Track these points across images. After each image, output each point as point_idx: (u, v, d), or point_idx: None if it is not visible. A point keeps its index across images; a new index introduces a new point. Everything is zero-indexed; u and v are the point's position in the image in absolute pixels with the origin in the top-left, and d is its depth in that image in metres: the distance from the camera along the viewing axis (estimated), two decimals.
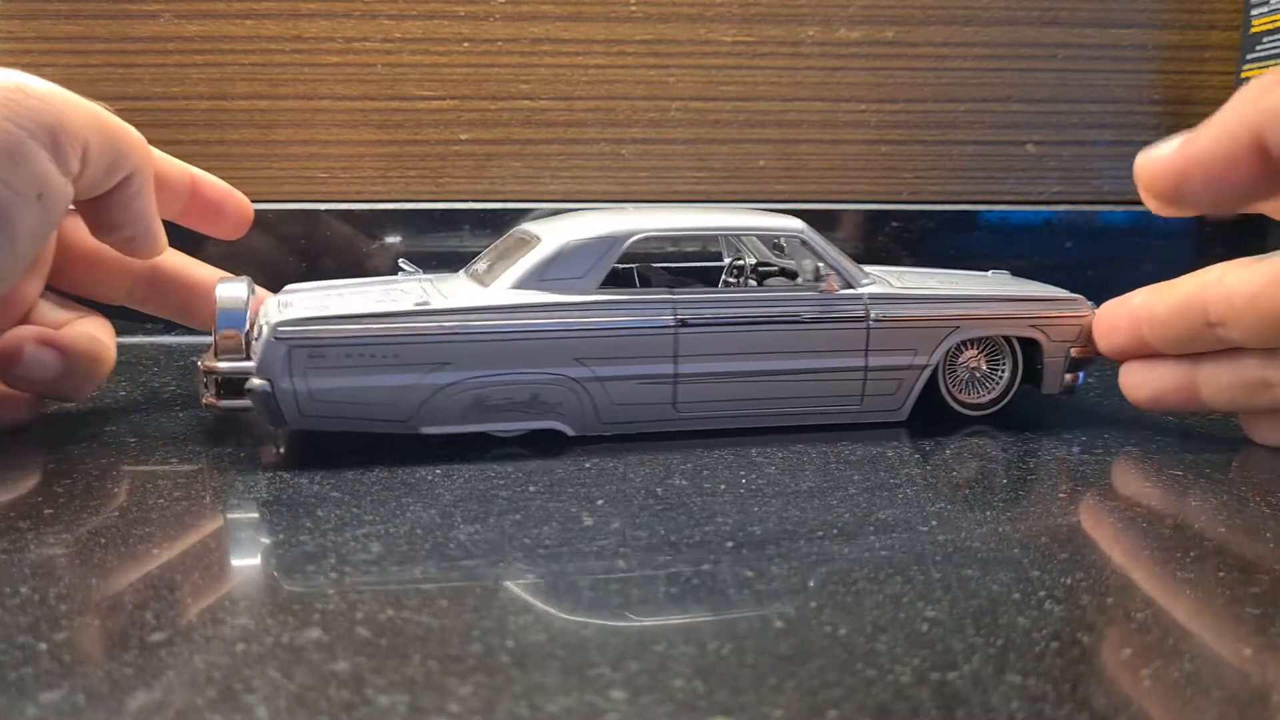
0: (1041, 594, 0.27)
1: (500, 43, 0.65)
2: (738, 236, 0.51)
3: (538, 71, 0.66)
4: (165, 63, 0.63)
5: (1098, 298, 0.46)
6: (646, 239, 0.41)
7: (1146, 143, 0.38)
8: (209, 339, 0.40)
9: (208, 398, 0.39)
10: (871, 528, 0.32)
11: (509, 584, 0.28)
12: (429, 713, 0.21)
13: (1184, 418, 0.45)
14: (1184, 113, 0.70)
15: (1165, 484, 0.37)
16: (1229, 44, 0.69)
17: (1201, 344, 0.40)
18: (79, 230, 0.42)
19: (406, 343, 0.38)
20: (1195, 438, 0.43)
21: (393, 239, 0.66)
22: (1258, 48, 0.66)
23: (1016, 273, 0.51)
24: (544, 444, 0.40)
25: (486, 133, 0.66)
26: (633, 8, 0.65)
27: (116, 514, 0.33)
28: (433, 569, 0.28)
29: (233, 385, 0.38)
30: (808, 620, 0.25)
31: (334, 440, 0.39)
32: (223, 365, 0.38)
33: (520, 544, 0.30)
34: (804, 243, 0.43)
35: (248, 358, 0.38)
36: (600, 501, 0.34)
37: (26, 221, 0.35)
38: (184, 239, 0.46)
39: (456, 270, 0.46)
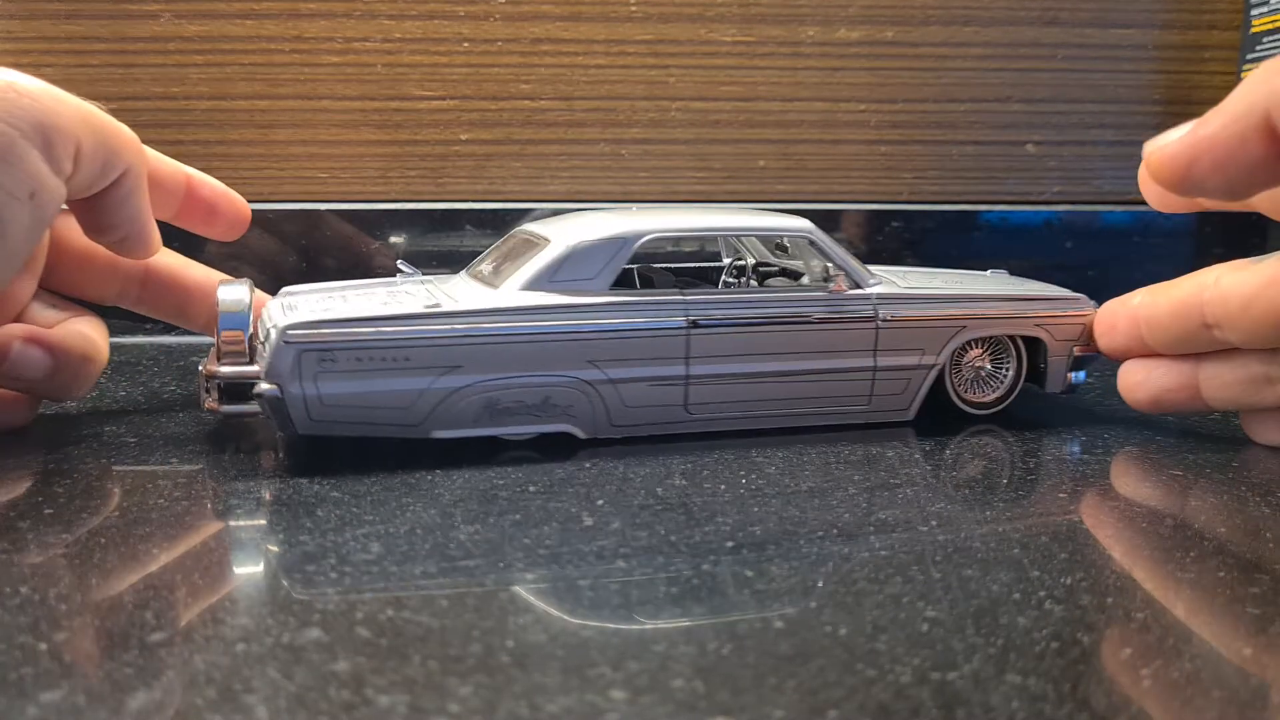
0: (1041, 594, 0.27)
1: (500, 43, 0.65)
2: (737, 237, 0.51)
3: (538, 71, 0.66)
4: (165, 63, 0.63)
5: (1098, 298, 0.46)
6: (655, 239, 0.40)
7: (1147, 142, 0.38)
8: (209, 339, 0.40)
9: (209, 402, 0.38)
10: (871, 528, 0.32)
11: (509, 584, 0.28)
12: (429, 713, 0.21)
13: (1184, 418, 0.45)
14: (1184, 113, 0.69)
15: (1165, 484, 0.37)
16: (1229, 44, 0.69)
17: (1199, 345, 0.40)
18: (71, 230, 0.42)
19: (418, 346, 0.37)
20: (1195, 438, 0.43)
21: (395, 239, 0.66)
22: (1258, 48, 0.66)
23: (1016, 273, 0.51)
24: (544, 444, 0.40)
25: (487, 133, 0.66)
26: (633, 8, 0.65)
27: (116, 514, 0.33)
28: (433, 569, 0.28)
29: (235, 390, 0.38)
30: (808, 620, 0.25)
31: (333, 440, 0.39)
32: (225, 370, 0.38)
33: (520, 544, 0.30)
34: (812, 243, 0.43)
35: (251, 362, 0.38)
36: (600, 501, 0.34)
37: (19, 221, 0.35)
38: (184, 240, 0.46)
39: (455, 271, 0.46)
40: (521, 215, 0.65)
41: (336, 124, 0.65)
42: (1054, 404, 0.48)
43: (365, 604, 0.26)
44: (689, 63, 0.66)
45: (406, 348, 0.37)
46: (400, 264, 0.46)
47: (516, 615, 0.26)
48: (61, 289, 0.44)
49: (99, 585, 0.27)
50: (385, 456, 0.38)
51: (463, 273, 0.45)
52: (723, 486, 0.36)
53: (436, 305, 0.38)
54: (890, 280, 0.44)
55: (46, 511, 0.33)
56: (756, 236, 0.49)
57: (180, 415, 0.45)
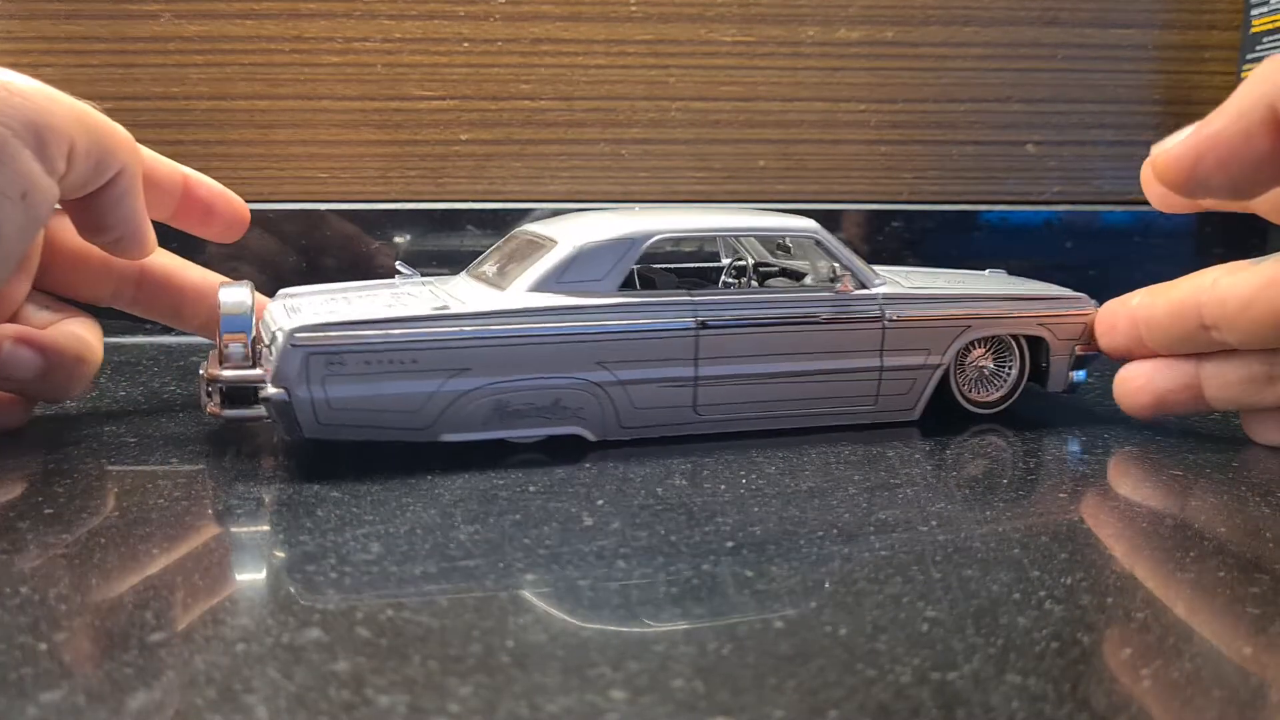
0: (1042, 594, 0.27)
1: (500, 43, 0.65)
2: (737, 237, 0.51)
3: (538, 71, 0.66)
4: (165, 63, 0.63)
5: (1098, 298, 0.46)
6: (662, 240, 0.40)
7: (1147, 142, 0.38)
8: (207, 339, 0.40)
9: (211, 407, 0.38)
10: (872, 528, 0.32)
11: (509, 584, 0.28)
12: (429, 713, 0.21)
13: (1184, 418, 0.45)
14: (1184, 113, 0.70)
15: (1165, 484, 0.37)
16: (1229, 44, 0.69)
17: (1197, 345, 0.40)
18: (65, 230, 0.42)
19: (427, 348, 0.37)
20: (1195, 438, 0.43)
21: (399, 239, 0.66)
22: (1258, 48, 0.66)
23: (1016, 272, 0.52)
24: (545, 444, 0.40)
25: (487, 133, 0.66)
26: (633, 8, 0.65)
27: (116, 514, 0.33)
28: (433, 569, 0.28)
29: (237, 394, 0.37)
30: (808, 620, 0.25)
31: (334, 440, 0.39)
32: (228, 374, 0.37)
33: (520, 544, 0.30)
34: (818, 243, 0.43)
35: (253, 365, 0.38)
36: (600, 501, 0.34)
37: (11, 222, 0.34)
38: (182, 240, 0.46)
39: (455, 272, 0.46)
40: (522, 215, 0.65)
41: (336, 124, 0.65)
42: (1054, 404, 0.48)
43: (365, 604, 0.26)
44: (689, 63, 0.66)
45: (415, 350, 0.37)
46: (399, 265, 0.46)
47: (516, 615, 0.26)
48: (56, 290, 0.43)
49: (99, 585, 0.27)
50: (385, 457, 0.38)
51: (463, 274, 0.45)
52: (723, 486, 0.36)
53: (444, 307, 0.38)
54: (894, 280, 0.44)
55: (46, 511, 0.33)
56: (759, 236, 0.49)
57: (180, 416, 0.45)
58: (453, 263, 0.63)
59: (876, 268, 0.45)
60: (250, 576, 0.29)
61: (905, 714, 0.21)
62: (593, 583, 0.28)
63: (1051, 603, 0.26)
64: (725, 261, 0.52)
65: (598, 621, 0.25)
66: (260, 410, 0.37)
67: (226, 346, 0.38)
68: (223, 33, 0.63)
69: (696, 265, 0.52)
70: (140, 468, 0.38)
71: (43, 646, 0.23)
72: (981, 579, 0.28)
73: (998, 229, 0.70)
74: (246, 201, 0.46)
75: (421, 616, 0.25)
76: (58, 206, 0.38)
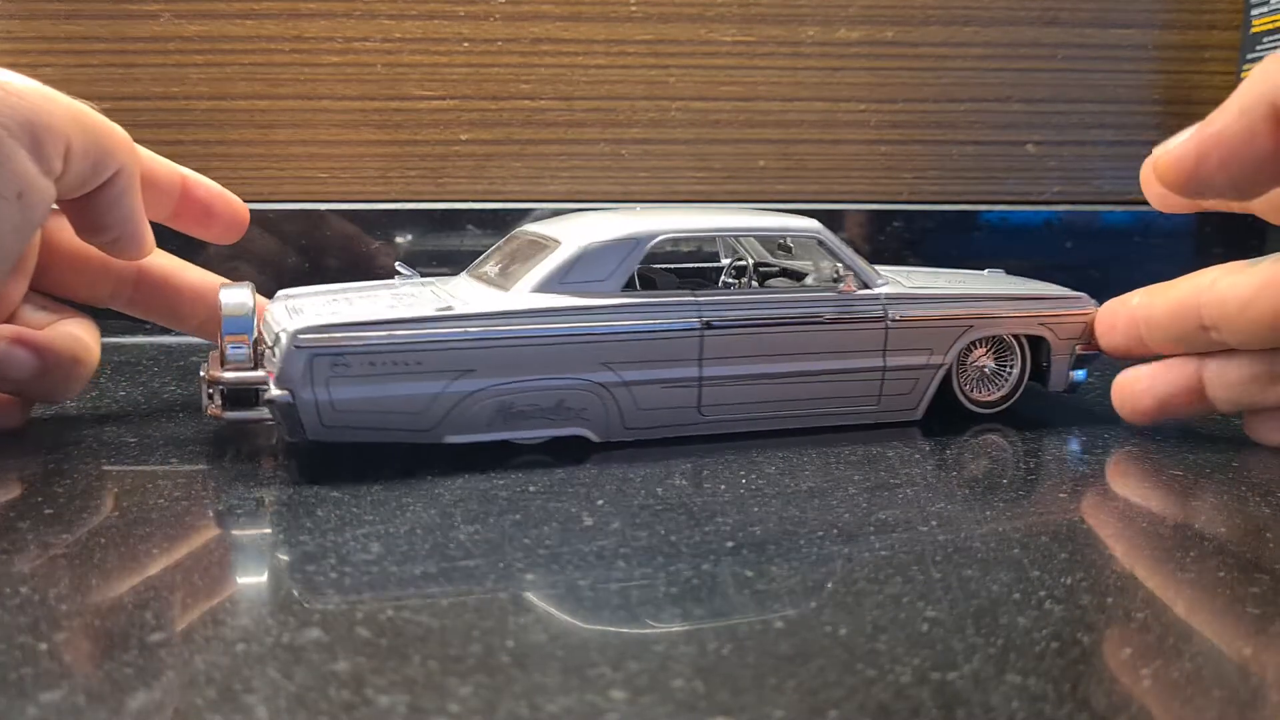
0: (1042, 594, 0.27)
1: (500, 43, 0.65)
2: (737, 237, 0.51)
3: (538, 71, 0.66)
4: (165, 63, 0.63)
5: (1098, 298, 0.46)
6: (666, 240, 0.40)
7: (1147, 142, 0.38)
8: (206, 340, 0.39)
9: (212, 409, 0.38)
10: (872, 528, 0.32)
11: (509, 584, 0.27)
12: (429, 713, 0.21)
13: (1189, 422, 0.45)
14: (1184, 113, 0.70)
15: (1165, 484, 0.37)
16: (1229, 44, 0.69)
17: (1197, 345, 0.40)
18: (62, 231, 0.41)
19: (431, 349, 0.36)
20: (1195, 438, 0.43)
21: (401, 239, 0.66)
22: (1258, 48, 0.66)
23: (1016, 272, 0.52)
24: (548, 445, 0.40)
25: (487, 133, 0.66)
26: (633, 8, 0.65)
27: (116, 514, 0.33)
28: (433, 569, 0.28)
29: (238, 396, 0.37)
30: (808, 620, 0.25)
31: (337, 442, 0.39)
32: (229, 375, 0.37)
33: (520, 544, 0.30)
34: (821, 243, 0.43)
35: (255, 367, 0.38)
36: (600, 501, 0.34)
37: (7, 222, 0.34)
38: (182, 241, 0.46)
39: (455, 272, 0.46)
40: (522, 215, 0.65)
41: (336, 124, 0.65)
42: (1054, 404, 0.48)
43: (365, 604, 0.26)
44: (689, 63, 0.66)
45: (420, 351, 0.36)
46: (399, 266, 0.45)
47: (516, 615, 0.26)
48: (53, 290, 0.43)
49: (99, 585, 0.27)
50: (385, 457, 0.38)
51: (464, 274, 0.45)
52: (723, 486, 0.36)
53: (449, 308, 0.38)
54: (896, 280, 0.44)
55: (46, 511, 0.33)
56: (761, 236, 0.49)
57: (180, 416, 0.45)
58: (453, 263, 0.63)
59: (879, 268, 0.45)
60: (250, 576, 0.29)
61: (905, 714, 0.21)
62: (593, 583, 0.27)
63: (1051, 603, 0.26)
64: (725, 262, 0.52)
65: (598, 621, 0.25)
66: (262, 412, 0.37)
67: (228, 348, 0.37)
68: (223, 33, 0.63)
69: (696, 265, 0.52)
70: (140, 468, 0.38)
71: (43, 646, 0.23)
72: (981, 579, 0.28)
73: (998, 229, 0.70)
74: (246, 201, 0.46)
75: (421, 616, 0.25)
76: (55, 207, 0.38)
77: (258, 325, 0.39)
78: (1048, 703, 0.21)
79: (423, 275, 0.45)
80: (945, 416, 0.45)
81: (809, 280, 0.46)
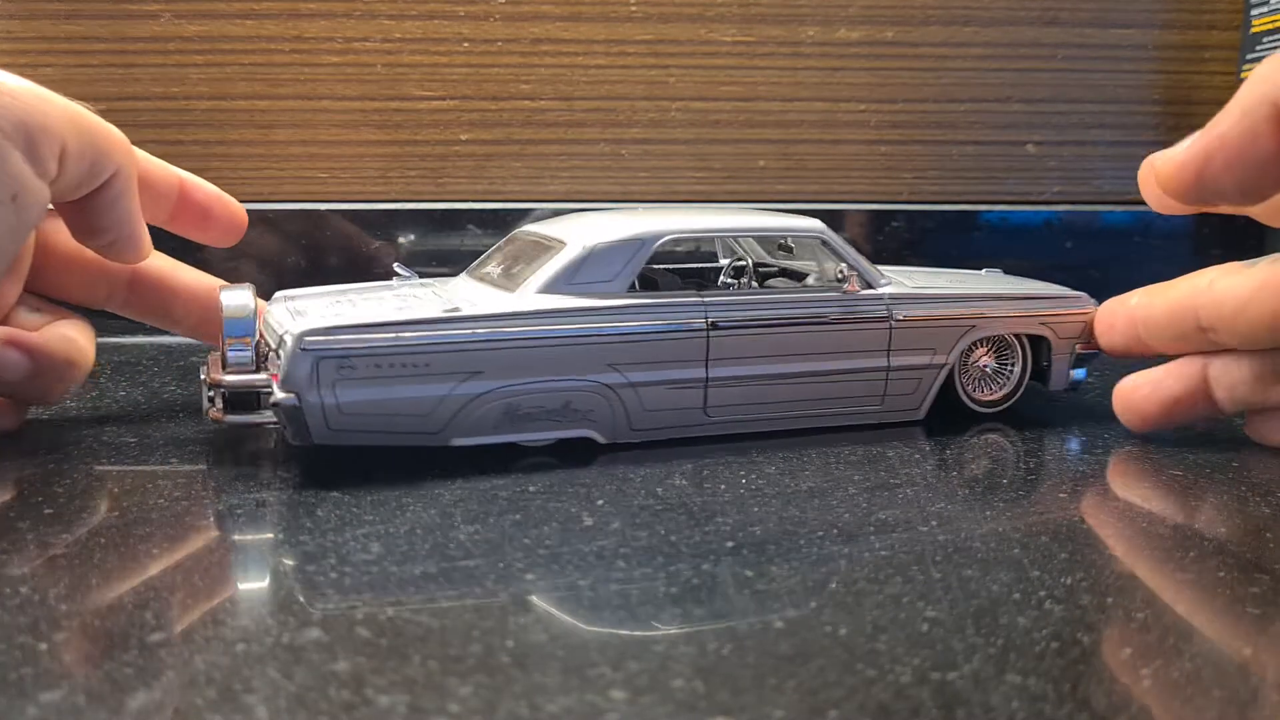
0: (1041, 594, 0.27)
1: (500, 43, 0.65)
2: (735, 237, 0.51)
3: (538, 71, 0.66)
4: (165, 63, 0.63)
5: (1098, 298, 0.46)
6: (670, 240, 0.40)
7: (1147, 142, 0.39)
8: (203, 342, 0.39)
9: (214, 412, 0.37)
10: (872, 528, 0.32)
11: (509, 584, 0.27)
12: (429, 713, 0.21)
13: (1191, 426, 0.45)
14: (1184, 113, 0.70)
15: (1165, 484, 0.37)
16: (1229, 44, 0.69)
17: (1195, 346, 0.40)
18: (57, 232, 0.41)
19: (439, 351, 0.36)
20: (1195, 438, 0.43)
21: (403, 239, 0.66)
22: (1258, 48, 0.66)
23: (1016, 273, 0.52)
24: (552, 447, 0.40)
25: (487, 133, 0.66)
26: (633, 8, 0.65)
27: (116, 514, 0.33)
28: (433, 569, 0.28)
29: (239, 399, 0.37)
30: (808, 620, 0.25)
31: (342, 445, 0.39)
32: (231, 378, 0.37)
33: (520, 544, 0.30)
34: (824, 243, 0.43)
35: (256, 370, 0.37)
36: (600, 501, 0.34)
37: (2, 224, 0.34)
38: (180, 241, 0.46)
39: (454, 272, 0.46)
40: (522, 215, 0.65)
41: (336, 124, 0.65)
42: (1054, 403, 0.48)
43: (365, 604, 0.26)
44: (689, 63, 0.66)
45: (427, 353, 0.36)
46: (396, 267, 0.45)
47: (516, 615, 0.26)
48: (48, 292, 0.43)
49: (99, 585, 0.27)
50: (385, 457, 0.38)
51: (463, 275, 0.44)
52: (723, 486, 0.36)
53: (456, 309, 0.37)
54: (898, 280, 0.44)
55: (46, 511, 0.33)
56: (762, 236, 0.49)
57: (180, 416, 0.45)
58: (453, 262, 0.63)
59: (881, 268, 0.45)
60: (250, 577, 0.29)
61: (905, 714, 0.21)
62: (593, 583, 0.28)
63: (1051, 603, 0.26)
64: (724, 262, 0.52)
65: (598, 621, 0.25)
66: (264, 416, 0.37)
67: (230, 350, 0.37)
68: (223, 33, 0.63)
69: (695, 266, 0.52)
70: (140, 468, 0.38)
71: (43, 646, 0.23)
72: (981, 579, 0.28)
73: (998, 229, 0.70)
74: (246, 202, 0.46)
75: (421, 616, 0.25)
76: (50, 207, 0.38)
77: (258, 327, 0.38)
78: (1048, 703, 0.21)
79: (421, 276, 0.45)
80: (945, 416, 0.45)
81: (810, 280, 0.46)
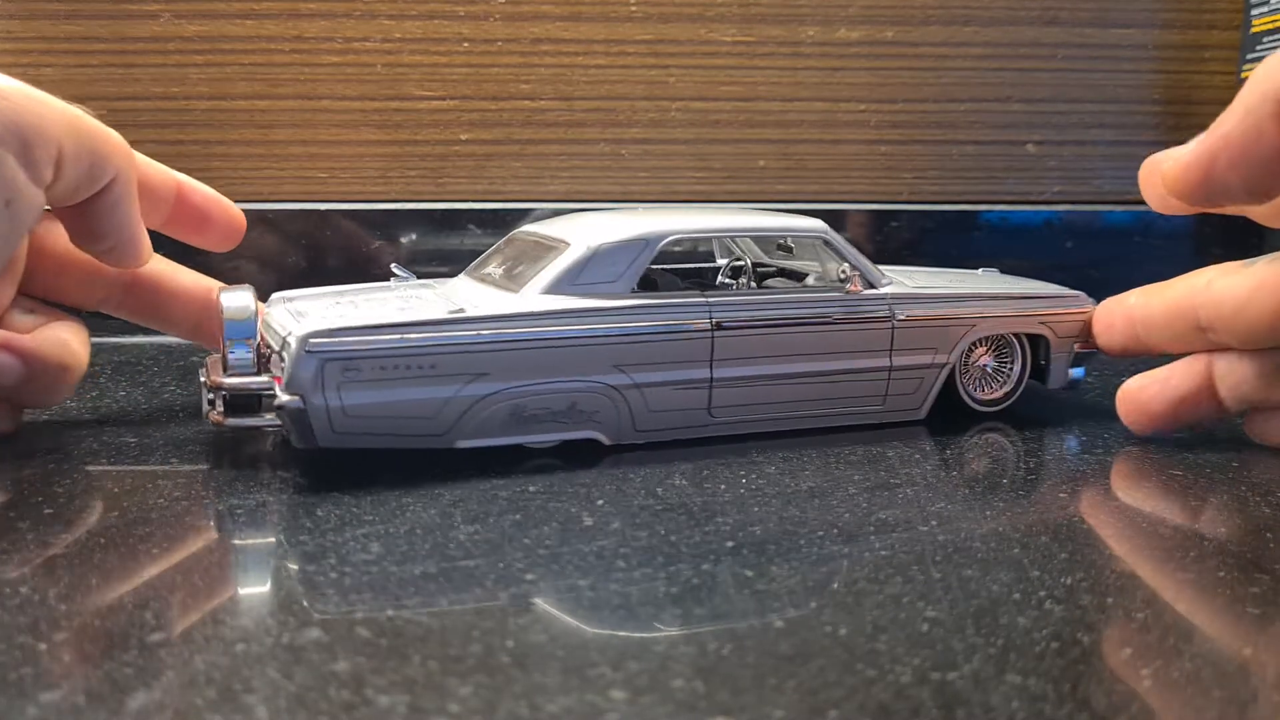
0: (1042, 594, 0.27)
1: (500, 43, 0.65)
2: (732, 237, 0.51)
3: (538, 71, 0.66)
4: (165, 63, 0.63)
5: (1098, 298, 0.46)
6: (676, 240, 0.40)
7: (1147, 142, 0.39)
8: (199, 345, 0.39)
9: (214, 415, 0.37)
10: (872, 528, 0.32)
11: (509, 584, 0.27)
12: (429, 713, 0.21)
13: (1195, 426, 0.44)
14: (1184, 113, 0.70)
15: (1165, 484, 0.37)
16: (1229, 44, 0.69)
17: (1193, 345, 0.40)
18: (52, 234, 0.41)
19: (445, 353, 0.36)
20: (1195, 438, 0.43)
21: (405, 239, 0.66)
22: (1258, 48, 0.66)
23: (1016, 272, 0.52)
24: (557, 448, 0.39)
25: (487, 133, 0.66)
26: (633, 8, 0.65)
27: (116, 514, 0.33)
28: (433, 569, 0.28)
29: (240, 402, 0.37)
30: (808, 620, 0.25)
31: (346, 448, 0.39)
32: (233, 381, 0.36)
33: (520, 544, 0.30)
34: (827, 243, 0.43)
35: (257, 372, 0.37)
36: (600, 501, 0.34)
37: None
38: (177, 242, 0.45)
39: (454, 272, 0.46)
40: (522, 215, 0.65)
41: (336, 124, 0.65)
42: (1054, 404, 0.49)
43: (365, 604, 0.26)
44: (689, 63, 0.66)
45: (433, 355, 0.36)
46: (394, 268, 0.45)
47: (516, 615, 0.26)
48: (43, 294, 0.42)
49: (99, 585, 0.27)
50: (385, 457, 0.38)
51: (462, 276, 0.44)
52: (723, 486, 0.36)
53: (461, 310, 0.37)
54: (899, 280, 0.44)
55: (46, 511, 0.33)
56: (764, 236, 0.49)
57: (180, 416, 0.45)
58: (453, 262, 0.63)
59: (882, 268, 0.45)
60: (250, 577, 0.29)
61: (905, 714, 0.21)
62: (593, 583, 0.27)
63: (1052, 603, 0.26)
64: (722, 262, 0.52)
65: (598, 621, 0.25)
66: (266, 419, 0.37)
67: (230, 352, 0.37)
68: (223, 33, 0.63)
69: (693, 266, 0.52)
70: (140, 468, 0.38)
71: (43, 646, 0.23)
72: (981, 579, 0.28)
73: (998, 229, 0.70)
74: (246, 201, 0.46)
75: (421, 616, 0.25)
76: (47, 207, 0.37)
77: (258, 329, 0.38)
78: (1048, 703, 0.21)
79: (420, 276, 0.45)
80: (945, 416, 0.45)
81: (810, 280, 0.46)
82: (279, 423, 0.36)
